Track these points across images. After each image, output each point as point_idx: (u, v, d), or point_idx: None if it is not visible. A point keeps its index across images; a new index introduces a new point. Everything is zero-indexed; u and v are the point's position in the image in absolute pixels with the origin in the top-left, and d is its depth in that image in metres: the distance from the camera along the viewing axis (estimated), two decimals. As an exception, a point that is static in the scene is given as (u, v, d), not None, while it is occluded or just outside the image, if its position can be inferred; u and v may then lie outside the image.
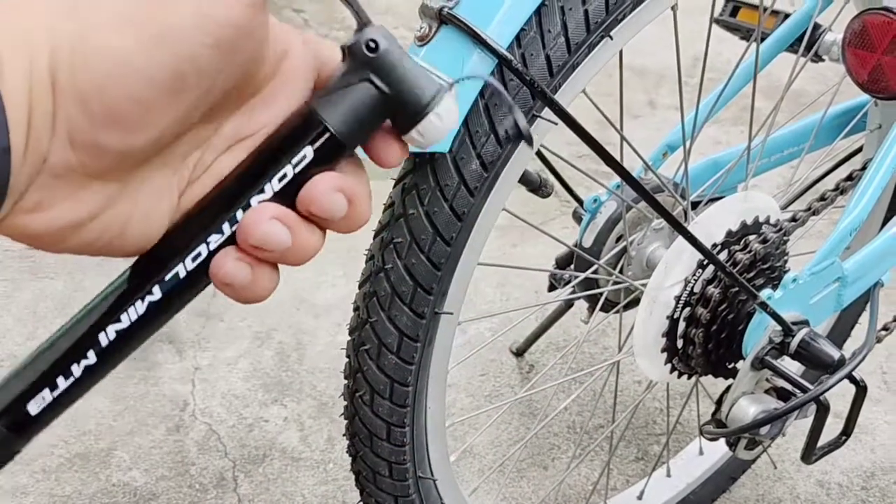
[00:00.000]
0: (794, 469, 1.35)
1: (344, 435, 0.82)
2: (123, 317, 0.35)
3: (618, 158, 0.68)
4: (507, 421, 1.42)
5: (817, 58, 1.14)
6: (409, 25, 2.56)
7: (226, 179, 0.36)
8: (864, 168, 0.98)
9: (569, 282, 1.10)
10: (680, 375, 0.97)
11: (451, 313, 0.74)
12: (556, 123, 0.68)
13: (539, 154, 0.99)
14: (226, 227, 0.35)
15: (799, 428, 0.92)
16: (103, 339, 0.35)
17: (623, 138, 0.81)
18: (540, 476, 1.34)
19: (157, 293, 0.35)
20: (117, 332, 0.35)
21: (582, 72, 0.68)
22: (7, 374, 0.35)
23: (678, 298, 0.88)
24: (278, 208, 0.35)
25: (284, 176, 0.35)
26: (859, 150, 1.20)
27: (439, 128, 0.37)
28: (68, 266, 1.67)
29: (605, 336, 1.59)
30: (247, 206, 0.35)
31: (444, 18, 0.62)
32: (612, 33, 0.68)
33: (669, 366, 0.94)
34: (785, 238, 0.92)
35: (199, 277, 0.35)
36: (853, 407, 0.92)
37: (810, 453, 0.91)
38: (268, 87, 0.36)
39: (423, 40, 0.63)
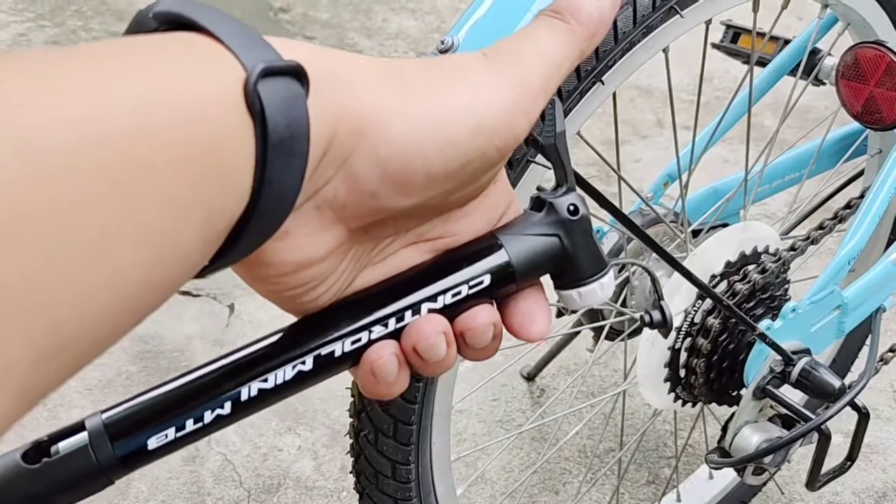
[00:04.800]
0: (805, 491, 1.35)
1: (350, 472, 0.84)
2: (270, 377, 0.35)
3: (619, 187, 0.70)
4: (519, 446, 1.43)
5: (818, 82, 1.15)
6: (419, 49, 2.59)
7: (402, 276, 0.37)
8: (861, 196, 0.99)
9: (575, 311, 1.12)
10: (684, 404, 0.98)
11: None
12: (549, 168, 0.69)
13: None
14: (391, 322, 0.36)
15: (810, 450, 0.93)
16: (244, 394, 0.34)
17: (620, 178, 0.83)
18: (551, 501, 1.35)
19: (308, 364, 0.35)
20: (259, 390, 0.35)
21: (574, 116, 0.70)
22: (134, 402, 0.34)
23: (679, 329, 0.90)
24: (446, 324, 0.36)
25: (459, 293, 0.36)
26: (861, 173, 1.21)
27: (598, 296, 0.39)
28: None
29: (614, 358, 1.60)
30: (416, 310, 0.36)
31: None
32: (603, 78, 0.70)
33: (673, 395, 0.95)
34: (784, 267, 0.93)
35: (349, 359, 0.36)
36: (856, 433, 0.93)
37: (814, 481, 0.92)
38: (473, 201, 0.37)
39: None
